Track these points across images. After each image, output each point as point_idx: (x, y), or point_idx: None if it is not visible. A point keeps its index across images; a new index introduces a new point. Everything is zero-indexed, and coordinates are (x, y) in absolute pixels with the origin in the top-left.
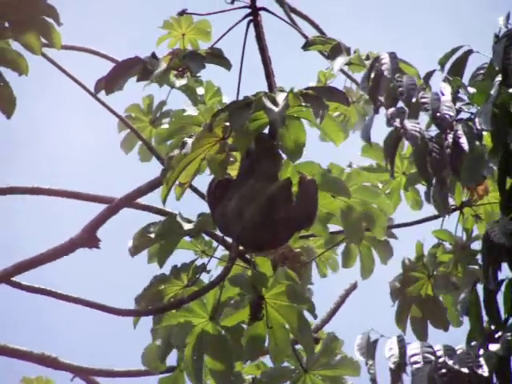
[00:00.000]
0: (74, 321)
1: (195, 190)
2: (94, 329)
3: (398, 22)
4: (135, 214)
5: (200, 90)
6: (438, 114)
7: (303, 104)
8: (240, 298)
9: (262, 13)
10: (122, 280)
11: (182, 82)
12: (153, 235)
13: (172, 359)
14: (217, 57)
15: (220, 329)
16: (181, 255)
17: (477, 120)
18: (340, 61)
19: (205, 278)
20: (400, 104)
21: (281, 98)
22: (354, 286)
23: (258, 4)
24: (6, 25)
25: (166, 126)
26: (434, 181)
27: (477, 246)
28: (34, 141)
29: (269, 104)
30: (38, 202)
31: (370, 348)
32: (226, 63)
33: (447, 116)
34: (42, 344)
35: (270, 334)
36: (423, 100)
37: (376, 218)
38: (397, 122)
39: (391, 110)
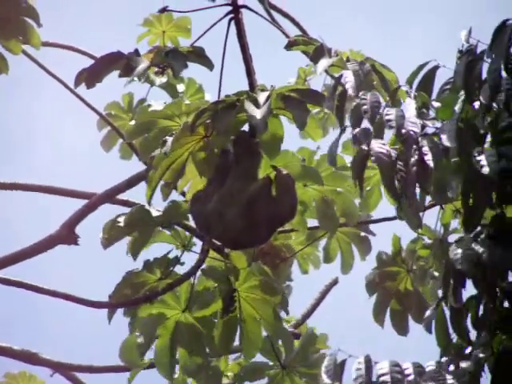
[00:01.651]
0: (55, 317)
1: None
2: (73, 325)
3: (396, 21)
4: (117, 210)
5: (181, 87)
6: (403, 131)
7: (286, 109)
8: (213, 290)
9: (243, 11)
10: (101, 276)
11: (162, 79)
12: (122, 225)
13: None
14: (199, 56)
15: (193, 320)
16: (161, 249)
17: (442, 137)
18: (323, 63)
19: (179, 270)
20: (365, 122)
21: (262, 98)
22: (334, 282)
23: (239, 2)
24: None
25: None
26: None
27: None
28: (25, 141)
29: (251, 109)
30: (23, 198)
31: (336, 370)
32: (208, 63)
33: (412, 132)
34: (24, 341)
35: (242, 326)
36: (388, 117)
37: (347, 205)
38: (364, 144)
39: (357, 129)
